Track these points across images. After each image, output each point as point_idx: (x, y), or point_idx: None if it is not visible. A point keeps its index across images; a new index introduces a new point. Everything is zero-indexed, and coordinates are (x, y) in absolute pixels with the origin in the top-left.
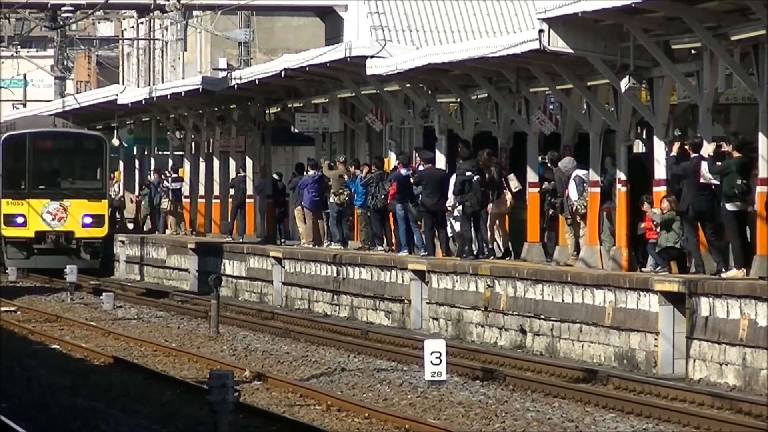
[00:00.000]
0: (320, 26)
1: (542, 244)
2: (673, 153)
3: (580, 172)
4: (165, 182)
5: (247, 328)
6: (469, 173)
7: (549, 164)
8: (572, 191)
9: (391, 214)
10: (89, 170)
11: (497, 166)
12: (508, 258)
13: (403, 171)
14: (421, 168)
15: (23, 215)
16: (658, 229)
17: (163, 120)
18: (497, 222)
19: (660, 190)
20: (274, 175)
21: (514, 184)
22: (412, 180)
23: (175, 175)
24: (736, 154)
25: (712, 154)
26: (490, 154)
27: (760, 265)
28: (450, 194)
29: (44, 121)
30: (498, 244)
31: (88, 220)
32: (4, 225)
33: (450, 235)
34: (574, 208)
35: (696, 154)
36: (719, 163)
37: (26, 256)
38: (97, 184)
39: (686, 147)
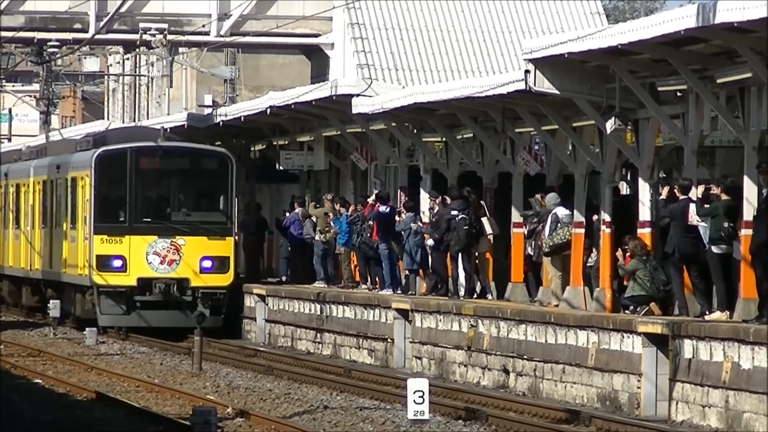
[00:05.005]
0: (306, 64)
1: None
2: (663, 196)
3: (559, 212)
4: None
5: (230, 365)
6: (454, 212)
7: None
8: (546, 228)
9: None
10: (210, 198)
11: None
12: (488, 297)
13: (381, 208)
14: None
15: (122, 257)
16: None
17: None
18: (477, 261)
19: (644, 232)
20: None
21: (488, 229)
22: (398, 218)
23: None
24: (724, 197)
25: (700, 196)
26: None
27: (744, 308)
28: None
29: (147, 134)
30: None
31: (208, 264)
32: (97, 269)
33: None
34: (541, 245)
35: (684, 197)
36: (707, 206)
37: (125, 311)
38: (220, 216)
39: (675, 190)
